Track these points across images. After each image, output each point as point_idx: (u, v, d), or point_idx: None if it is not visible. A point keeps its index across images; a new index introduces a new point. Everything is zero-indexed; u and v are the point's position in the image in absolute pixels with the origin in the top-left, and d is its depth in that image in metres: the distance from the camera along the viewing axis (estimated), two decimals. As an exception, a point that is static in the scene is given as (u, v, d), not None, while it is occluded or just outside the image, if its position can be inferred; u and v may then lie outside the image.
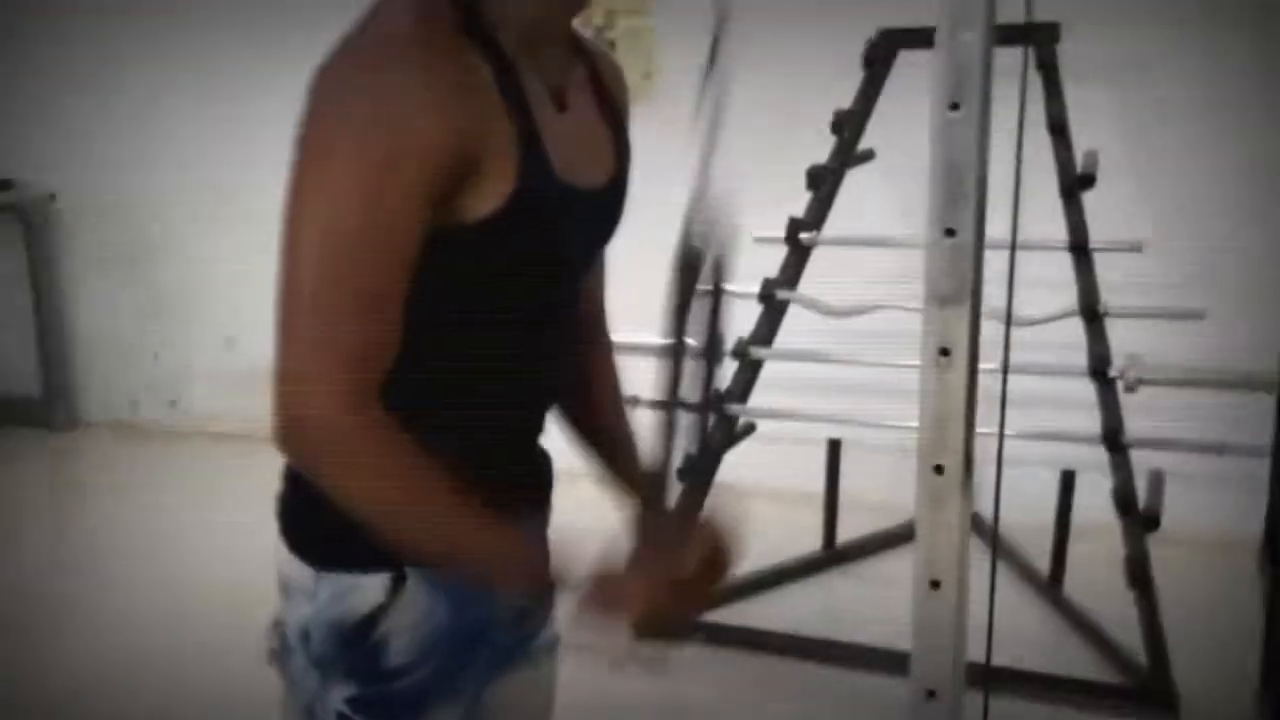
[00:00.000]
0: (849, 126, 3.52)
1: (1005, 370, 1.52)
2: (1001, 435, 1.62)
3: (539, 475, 1.49)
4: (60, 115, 5.51)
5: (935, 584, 1.28)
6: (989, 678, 1.51)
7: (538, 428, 1.46)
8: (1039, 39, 3.43)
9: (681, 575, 1.28)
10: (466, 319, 1.27)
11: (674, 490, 1.32)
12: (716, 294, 1.28)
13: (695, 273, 1.25)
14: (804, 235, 3.52)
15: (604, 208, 1.40)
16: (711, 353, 1.30)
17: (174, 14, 5.19)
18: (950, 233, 1.21)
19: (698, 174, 1.31)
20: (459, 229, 1.18)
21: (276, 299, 1.17)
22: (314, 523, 1.31)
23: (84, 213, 5.68)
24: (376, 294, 1.16)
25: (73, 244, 5.74)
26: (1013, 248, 1.40)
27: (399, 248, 1.15)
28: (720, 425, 3.54)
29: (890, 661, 3.11)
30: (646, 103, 4.61)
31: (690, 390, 1.27)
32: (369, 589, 1.30)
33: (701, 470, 3.54)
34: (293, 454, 1.21)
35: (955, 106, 1.20)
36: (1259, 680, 2.33)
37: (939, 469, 1.26)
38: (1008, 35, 3.59)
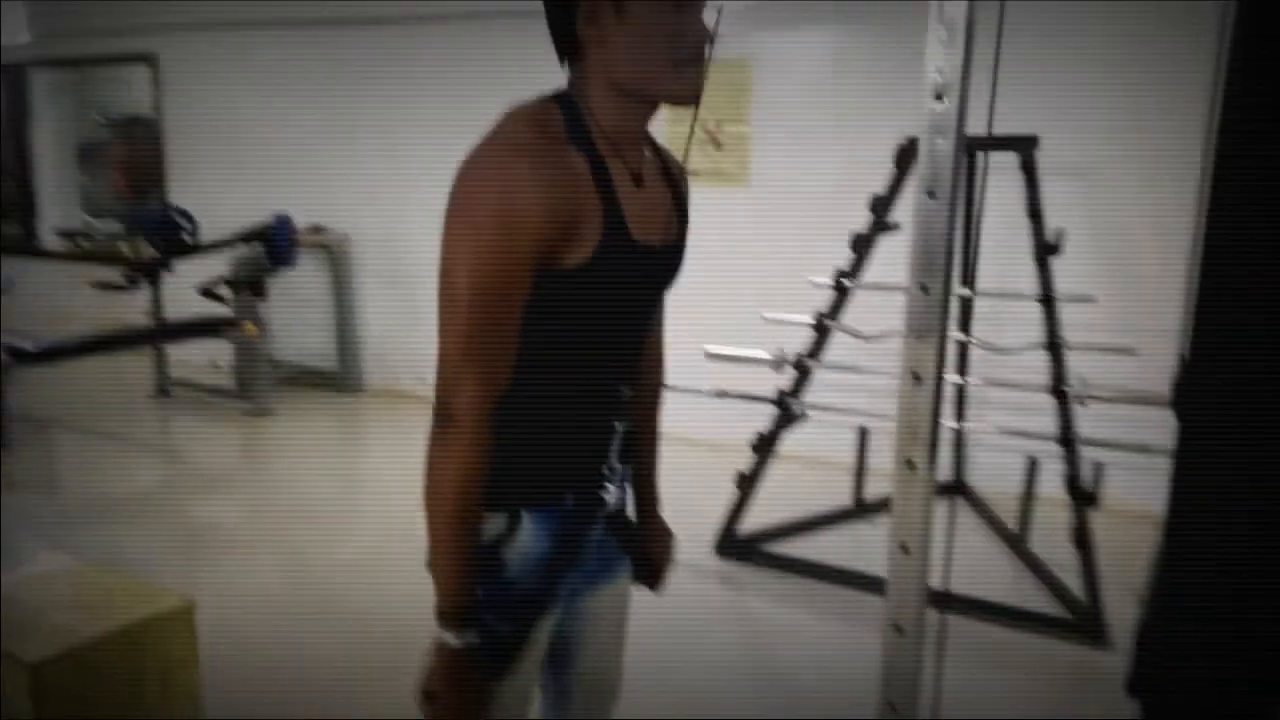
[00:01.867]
0: (881, 206, 3.35)
1: (963, 379, 1.39)
2: (960, 425, 1.48)
3: (616, 441, 1.39)
4: (353, 176, 5.63)
5: (905, 548, 1.17)
6: (947, 603, 1.40)
7: (615, 414, 1.37)
8: (1021, 147, 3.22)
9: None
10: (564, 337, 1.23)
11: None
12: None
13: None
14: (845, 282, 3.37)
15: (665, 262, 1.33)
16: None
17: (424, 104, 5.27)
18: (924, 288, 1.09)
19: None
20: (560, 274, 1.15)
21: (439, 318, 1.16)
22: None
23: (368, 247, 5.78)
24: (502, 317, 1.15)
25: (361, 268, 5.84)
26: (971, 297, 1.27)
27: (517, 286, 1.13)
28: (782, 414, 3.43)
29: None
30: (744, 186, 4.57)
31: None
32: (494, 523, 1.25)
33: (765, 445, 3.44)
34: (439, 422, 1.17)
35: (932, 194, 1.08)
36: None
37: (910, 464, 1.15)
38: (1000, 143, 3.40)
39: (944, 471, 4.12)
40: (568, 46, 1.20)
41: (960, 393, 3.94)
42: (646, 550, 1.54)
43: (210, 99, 6.02)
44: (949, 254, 1.10)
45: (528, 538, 1.27)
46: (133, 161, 6.85)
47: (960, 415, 3.94)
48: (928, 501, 1.16)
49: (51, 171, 7.46)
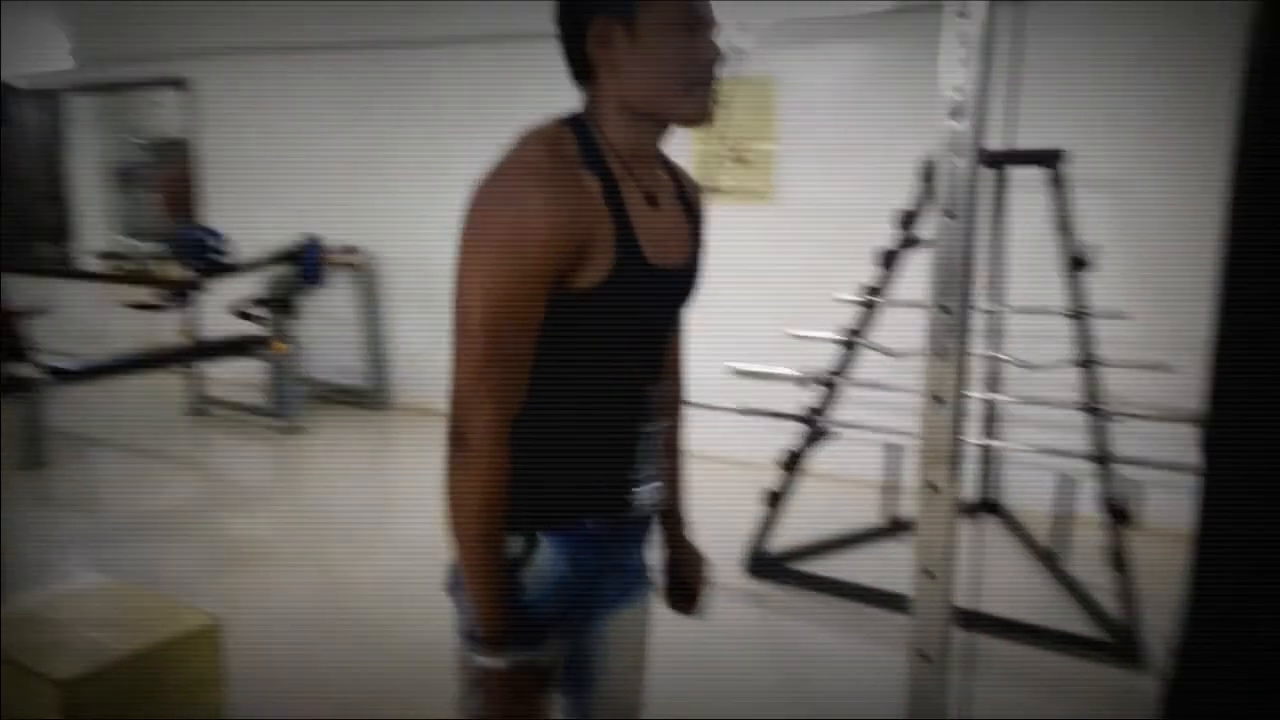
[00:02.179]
0: (908, 221, 3.33)
1: (995, 397, 1.36)
2: (992, 443, 1.46)
3: (637, 464, 1.37)
4: (383, 197, 5.68)
5: (929, 573, 1.15)
6: (979, 624, 1.38)
7: (634, 432, 1.35)
8: (1049, 161, 3.19)
9: None
10: (579, 359, 1.23)
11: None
12: None
13: None
14: (872, 297, 3.35)
15: (681, 281, 1.33)
16: None
17: (453, 125, 5.31)
18: (944, 309, 1.09)
19: None
20: (573, 296, 1.16)
21: (452, 341, 1.17)
22: None
23: (399, 267, 5.82)
24: (514, 340, 1.16)
25: (392, 288, 5.88)
26: (985, 312, 1.25)
27: (529, 308, 1.15)
28: (810, 432, 3.40)
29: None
30: (769, 204, 4.56)
31: None
32: (510, 545, 1.25)
33: (794, 462, 3.41)
34: (454, 446, 1.19)
35: (950, 215, 1.07)
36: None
37: (932, 486, 1.13)
38: (1027, 157, 3.37)
39: (977, 490, 4.07)
40: (580, 68, 1.21)
41: (992, 410, 3.89)
42: (679, 575, 1.53)
43: (242, 122, 6.11)
44: (969, 274, 1.09)
45: (545, 561, 1.27)
46: (173, 184, 6.97)
47: (992, 433, 3.89)
48: (951, 525, 1.15)
49: (89, 194, 7.61)
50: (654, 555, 1.50)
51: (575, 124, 1.22)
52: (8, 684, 1.65)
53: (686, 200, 1.35)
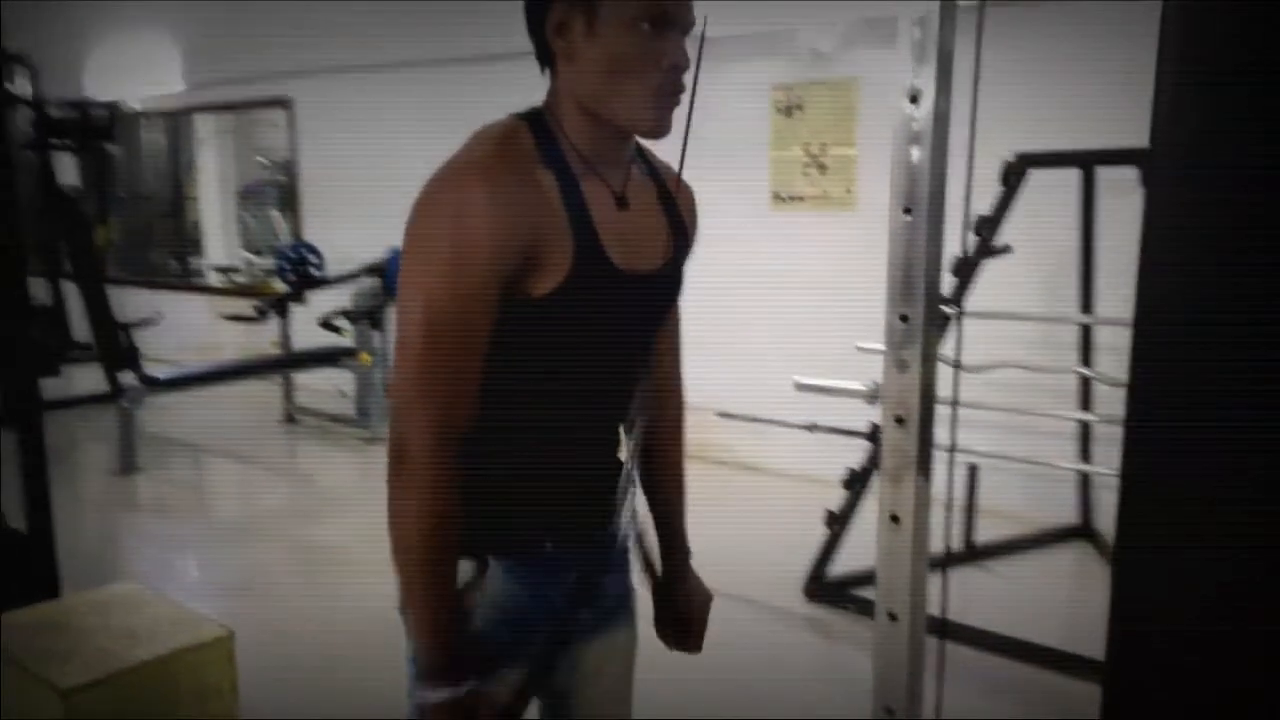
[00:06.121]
0: (986, 227, 3.14)
1: (955, 406, 1.24)
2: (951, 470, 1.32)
3: (609, 486, 1.29)
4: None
5: (892, 616, 1.03)
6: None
7: (606, 451, 1.28)
8: (1145, 160, 2.94)
9: None
10: (536, 370, 1.15)
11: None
12: None
13: None
14: (946, 309, 3.17)
15: (656, 286, 1.23)
16: None
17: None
18: (904, 318, 0.97)
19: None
20: (528, 302, 1.09)
21: (394, 348, 1.11)
22: None
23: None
24: (459, 351, 1.08)
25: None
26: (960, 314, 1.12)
27: (474, 317, 1.07)
28: (876, 450, 3.23)
29: (1012, 648, 2.75)
30: (850, 211, 4.39)
31: None
32: (459, 570, 1.18)
33: (860, 481, 3.24)
34: (393, 462, 1.10)
35: (908, 211, 0.96)
36: None
37: (894, 518, 1.01)
38: (1123, 157, 3.11)
39: (1071, 514, 3.80)
40: (542, 55, 1.14)
41: (1085, 430, 3.63)
42: (675, 610, 1.43)
43: (334, 138, 6.29)
44: (932, 278, 0.98)
45: (497, 587, 1.20)
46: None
47: (1085, 455, 3.63)
48: (919, 562, 1.03)
49: (214, 210, 8.01)
50: (645, 582, 1.41)
51: (532, 120, 1.15)
52: (15, 690, 1.70)
53: (669, 202, 1.26)
